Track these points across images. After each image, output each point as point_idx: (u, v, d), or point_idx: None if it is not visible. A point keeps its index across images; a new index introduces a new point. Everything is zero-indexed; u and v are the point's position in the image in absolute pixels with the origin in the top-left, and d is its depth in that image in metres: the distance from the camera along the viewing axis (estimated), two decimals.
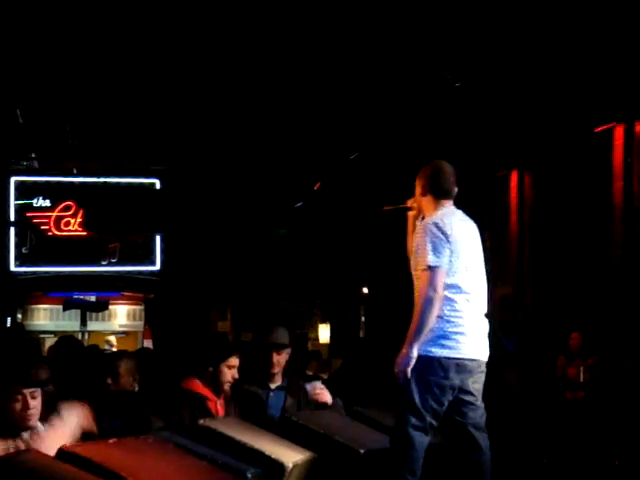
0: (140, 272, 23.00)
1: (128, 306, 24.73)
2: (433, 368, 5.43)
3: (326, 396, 6.89)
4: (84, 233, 21.72)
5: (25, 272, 22.40)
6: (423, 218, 5.89)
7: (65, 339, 9.65)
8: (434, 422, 5.47)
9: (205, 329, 21.66)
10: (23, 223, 22.18)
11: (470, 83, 12.79)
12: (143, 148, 19.62)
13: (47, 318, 24.23)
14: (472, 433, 5.58)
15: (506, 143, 15.23)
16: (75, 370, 7.56)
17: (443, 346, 5.45)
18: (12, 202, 22.13)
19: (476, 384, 5.64)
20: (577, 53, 11.62)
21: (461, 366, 5.49)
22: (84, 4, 11.21)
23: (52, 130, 17.69)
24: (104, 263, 22.62)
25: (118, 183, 22.11)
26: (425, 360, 5.43)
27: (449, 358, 5.46)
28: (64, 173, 22.03)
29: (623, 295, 12.69)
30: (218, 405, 6.46)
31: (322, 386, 7.02)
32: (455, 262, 5.57)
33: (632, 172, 12.83)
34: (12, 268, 22.23)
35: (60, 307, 23.06)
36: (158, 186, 22.46)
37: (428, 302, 5.41)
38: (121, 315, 24.74)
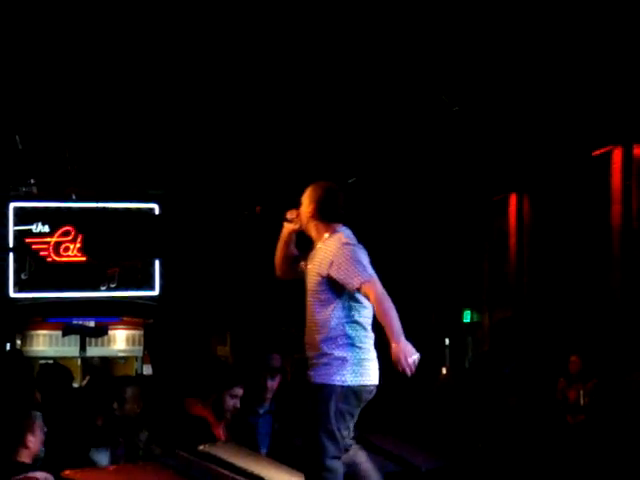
0: (139, 297, 22.95)
1: (127, 331, 24.65)
2: (348, 397, 5.35)
3: None
4: (83, 258, 21.71)
5: (24, 298, 22.36)
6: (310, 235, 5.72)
7: (49, 366, 9.59)
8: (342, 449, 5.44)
9: (205, 354, 21.61)
10: (22, 249, 22.15)
11: (468, 107, 12.83)
12: (141, 173, 19.65)
13: (46, 344, 24.14)
14: (350, 450, 5.56)
15: (504, 166, 15.26)
16: (65, 398, 7.53)
17: (356, 373, 5.39)
18: (11, 228, 22.11)
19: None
20: (575, 77, 11.67)
21: (368, 392, 5.48)
22: (80, 31, 11.26)
23: (51, 156, 17.72)
24: (103, 288, 22.57)
25: (117, 208, 22.10)
26: (340, 390, 5.34)
27: (362, 385, 5.42)
28: (63, 199, 22.02)
29: (622, 317, 12.68)
30: (220, 430, 6.52)
31: None
32: None
33: (630, 195, 12.86)
34: (11, 294, 22.19)
35: (59, 333, 23.00)
36: (157, 211, 22.46)
37: (390, 307, 5.31)
38: (120, 340, 24.65)
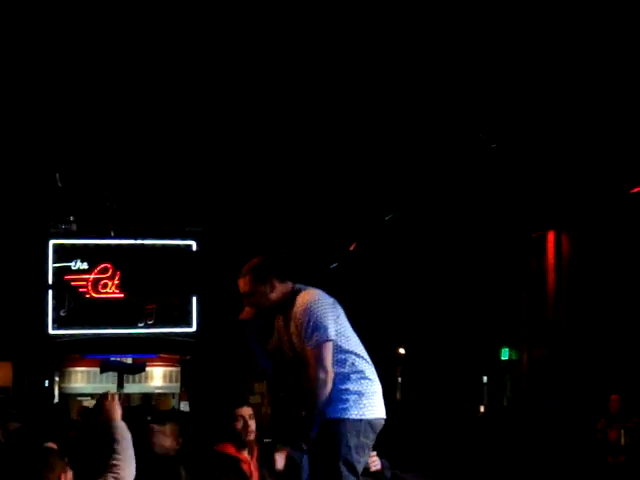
0: (176, 334, 23.03)
1: (165, 368, 24.74)
2: (367, 431, 5.30)
3: (378, 464, 6.87)
4: (121, 295, 21.83)
5: (63, 335, 22.50)
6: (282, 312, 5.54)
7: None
8: None
9: (241, 391, 21.59)
10: (61, 286, 22.32)
11: (505, 144, 12.82)
12: (179, 211, 19.77)
13: (84, 380, 24.27)
14: None
15: (542, 204, 15.21)
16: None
17: (372, 407, 5.34)
18: (50, 265, 22.31)
19: None
20: (614, 115, 11.63)
21: (380, 425, 5.44)
22: (119, 70, 11.38)
23: (90, 194, 17.87)
24: (141, 325, 22.67)
25: (155, 245, 22.23)
26: (359, 424, 5.29)
27: (377, 418, 5.39)
28: (102, 236, 22.20)
29: None
30: (252, 467, 6.49)
31: (374, 453, 7.00)
32: (345, 326, 5.49)
33: None
34: (50, 331, 22.34)
35: (97, 369, 23.09)
36: (194, 248, 22.56)
37: (323, 383, 5.20)
38: (157, 377, 24.73)
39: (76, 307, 22.37)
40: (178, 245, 22.61)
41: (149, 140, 14.18)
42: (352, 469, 5.25)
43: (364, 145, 13.67)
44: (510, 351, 18.07)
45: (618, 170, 12.99)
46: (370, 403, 5.35)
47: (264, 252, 5.86)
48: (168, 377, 24.83)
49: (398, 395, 22.15)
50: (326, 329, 5.30)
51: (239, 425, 6.55)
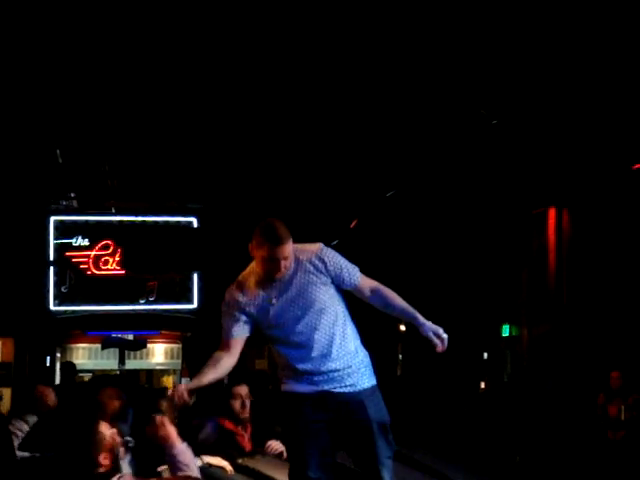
0: (178, 310, 23.08)
1: (166, 344, 24.81)
2: None
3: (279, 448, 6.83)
4: (122, 272, 21.85)
5: (64, 311, 22.54)
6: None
7: (100, 378, 9.60)
8: None
9: (242, 367, 21.62)
10: (62, 262, 22.36)
11: (506, 120, 12.80)
12: (181, 187, 19.76)
13: (86, 357, 24.33)
14: None
15: (543, 180, 15.20)
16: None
17: None
18: (51, 241, 22.34)
19: None
20: (616, 90, 11.61)
21: None
22: (120, 49, 11.36)
23: (91, 170, 17.85)
24: (142, 301, 22.71)
25: (156, 222, 22.24)
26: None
27: None
28: (103, 212, 22.21)
29: None
30: (246, 441, 6.57)
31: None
32: None
33: None
34: (51, 307, 22.39)
35: (99, 346, 23.17)
36: (195, 224, 22.58)
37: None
38: (159, 353, 24.81)
39: (77, 284, 22.41)
40: (179, 222, 22.63)
41: (150, 116, 14.15)
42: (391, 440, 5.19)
43: (364, 122, 13.65)
44: (511, 327, 18.10)
45: (620, 146, 12.97)
46: None
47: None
48: (169, 353, 24.90)
49: (399, 371, 22.20)
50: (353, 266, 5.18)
51: (236, 404, 6.64)
